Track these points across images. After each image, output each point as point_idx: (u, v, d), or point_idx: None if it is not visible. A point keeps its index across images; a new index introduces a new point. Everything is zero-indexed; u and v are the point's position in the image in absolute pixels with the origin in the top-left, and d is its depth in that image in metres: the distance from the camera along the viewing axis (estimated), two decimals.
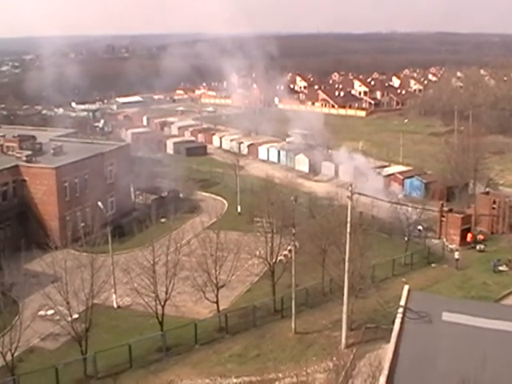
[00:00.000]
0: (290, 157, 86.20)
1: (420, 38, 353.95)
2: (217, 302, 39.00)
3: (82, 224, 48.07)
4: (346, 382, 27.01)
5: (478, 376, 19.77)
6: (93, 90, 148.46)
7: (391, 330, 25.03)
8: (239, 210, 61.71)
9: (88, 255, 35.46)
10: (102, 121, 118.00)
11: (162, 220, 49.96)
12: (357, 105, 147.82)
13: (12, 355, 31.41)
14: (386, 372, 21.67)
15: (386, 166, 78.89)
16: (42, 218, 53.20)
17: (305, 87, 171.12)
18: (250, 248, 43.83)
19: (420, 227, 53.79)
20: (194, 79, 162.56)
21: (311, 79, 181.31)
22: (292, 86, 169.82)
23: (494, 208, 56.59)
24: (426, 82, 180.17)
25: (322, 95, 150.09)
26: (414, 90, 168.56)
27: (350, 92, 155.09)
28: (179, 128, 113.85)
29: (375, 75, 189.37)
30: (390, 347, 23.48)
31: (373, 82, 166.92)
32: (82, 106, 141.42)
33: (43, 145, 60.78)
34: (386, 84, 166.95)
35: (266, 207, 44.25)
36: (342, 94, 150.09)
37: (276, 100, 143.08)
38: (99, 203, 49.22)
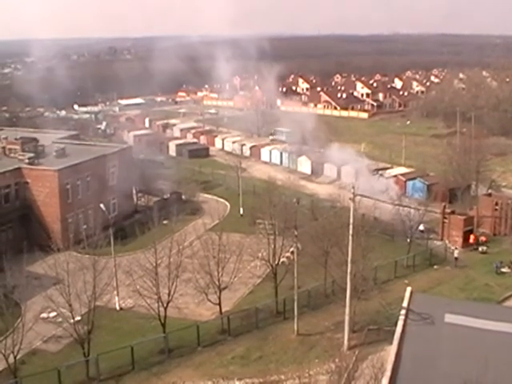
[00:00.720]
0: (293, 159, 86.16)
1: (422, 39, 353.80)
2: (219, 304, 39.06)
3: (84, 226, 48.22)
4: None
5: (481, 378, 19.70)
6: (95, 92, 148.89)
7: (393, 332, 25.00)
8: (241, 211, 61.70)
9: (90, 257, 35.47)
10: (104, 123, 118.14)
11: (165, 222, 50.05)
12: (359, 106, 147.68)
13: (14, 357, 31.51)
14: (388, 374, 21.64)
15: (388, 168, 78.92)
16: (44, 220, 53.20)
17: (307, 89, 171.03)
18: (252, 250, 43.76)
19: (422, 227, 53.71)
20: (196, 81, 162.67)
21: (313, 81, 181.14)
22: (294, 88, 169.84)
23: (496, 210, 56.59)
24: (428, 83, 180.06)
25: (324, 97, 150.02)
26: (416, 92, 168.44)
27: (352, 94, 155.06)
28: (181, 130, 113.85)
29: (377, 77, 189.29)
30: (392, 349, 23.46)
31: (375, 84, 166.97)
32: (84, 109, 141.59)
33: (45, 147, 60.78)
34: (388, 86, 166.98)
35: (269, 209, 44.20)
36: (344, 95, 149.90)
37: (278, 102, 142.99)
38: (101, 205, 49.32)
